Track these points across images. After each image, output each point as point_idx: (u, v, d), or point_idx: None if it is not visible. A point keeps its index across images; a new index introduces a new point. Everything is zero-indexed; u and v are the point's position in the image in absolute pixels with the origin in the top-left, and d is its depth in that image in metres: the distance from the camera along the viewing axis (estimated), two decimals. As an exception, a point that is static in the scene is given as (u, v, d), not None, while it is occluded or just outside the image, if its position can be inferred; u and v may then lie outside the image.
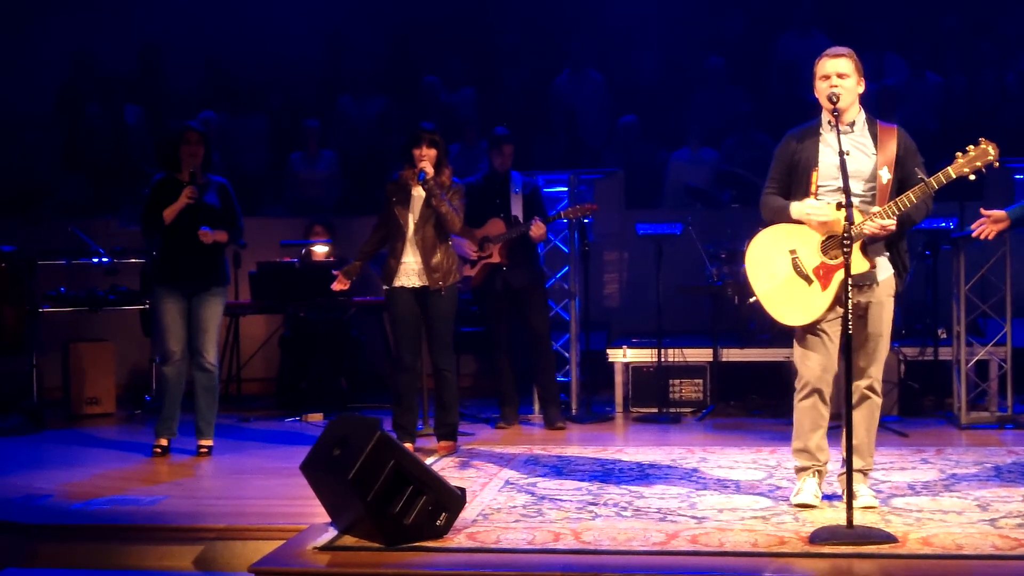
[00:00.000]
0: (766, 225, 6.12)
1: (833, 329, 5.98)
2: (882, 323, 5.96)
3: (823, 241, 5.90)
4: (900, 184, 5.89)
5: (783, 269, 5.98)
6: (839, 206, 5.62)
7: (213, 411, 8.12)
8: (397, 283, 7.85)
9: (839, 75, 5.88)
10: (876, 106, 11.18)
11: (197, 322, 8.00)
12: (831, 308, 5.91)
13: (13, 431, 9.17)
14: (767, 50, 13.08)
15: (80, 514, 6.40)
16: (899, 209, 5.75)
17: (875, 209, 5.78)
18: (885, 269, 5.96)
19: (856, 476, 5.83)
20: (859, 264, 5.76)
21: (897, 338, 9.46)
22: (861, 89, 5.97)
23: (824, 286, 5.90)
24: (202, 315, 8.00)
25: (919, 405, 9.29)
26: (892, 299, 6.00)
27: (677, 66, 13.24)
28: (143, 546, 6.00)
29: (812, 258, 5.93)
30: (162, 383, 8.11)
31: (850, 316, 5.55)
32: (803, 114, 6.20)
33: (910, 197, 5.74)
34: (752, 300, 6.20)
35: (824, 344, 5.98)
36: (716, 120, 12.20)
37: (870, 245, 5.84)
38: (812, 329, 5.97)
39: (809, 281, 5.92)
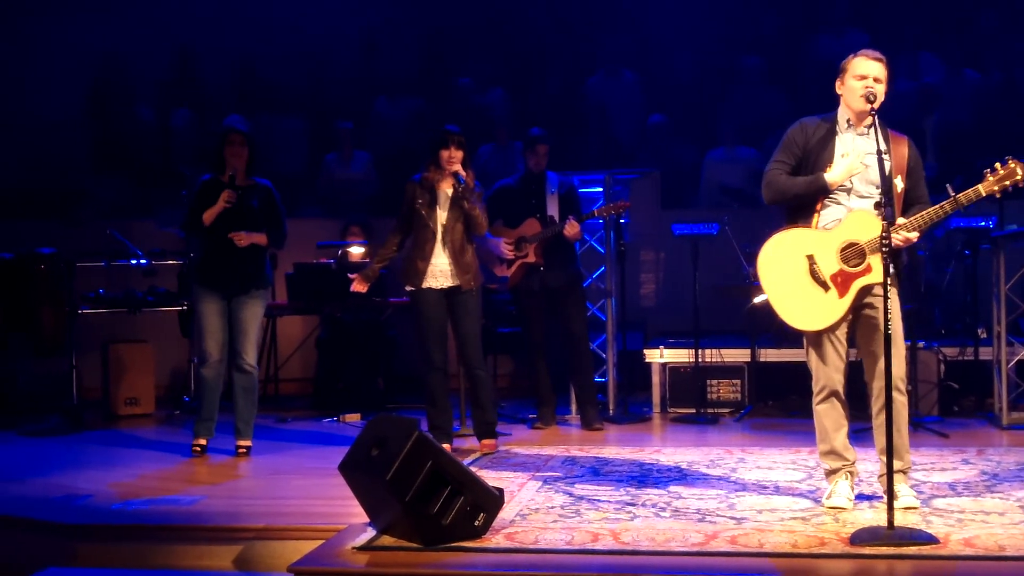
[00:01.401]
0: (771, 207, 6.13)
1: (842, 331, 5.98)
2: (893, 322, 5.92)
3: (842, 249, 5.88)
4: (906, 194, 5.89)
5: (799, 274, 5.95)
6: (877, 205, 5.60)
7: (252, 412, 8.14)
8: (425, 284, 7.84)
9: (876, 79, 5.88)
10: (916, 104, 11.12)
11: (237, 324, 8.02)
12: (846, 315, 5.91)
13: (52, 431, 9.24)
14: (803, 50, 13.01)
15: (120, 514, 6.44)
16: (925, 222, 5.76)
17: (900, 220, 5.77)
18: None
19: (897, 476, 5.80)
20: (879, 274, 5.75)
21: (937, 338, 9.43)
22: (882, 98, 5.95)
23: (841, 293, 5.89)
24: (242, 317, 8.01)
25: (959, 405, 9.23)
26: (897, 298, 5.94)
27: (711, 66, 13.20)
28: (182, 546, 6.02)
29: (830, 265, 5.90)
30: (200, 385, 8.15)
31: (874, 321, 5.59)
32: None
33: (938, 212, 5.75)
34: (759, 300, 6.18)
35: (835, 347, 5.99)
36: (752, 119, 12.15)
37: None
38: (824, 333, 5.97)
39: (826, 288, 5.90)
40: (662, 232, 10.61)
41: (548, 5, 13.84)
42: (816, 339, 6.01)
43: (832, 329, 5.95)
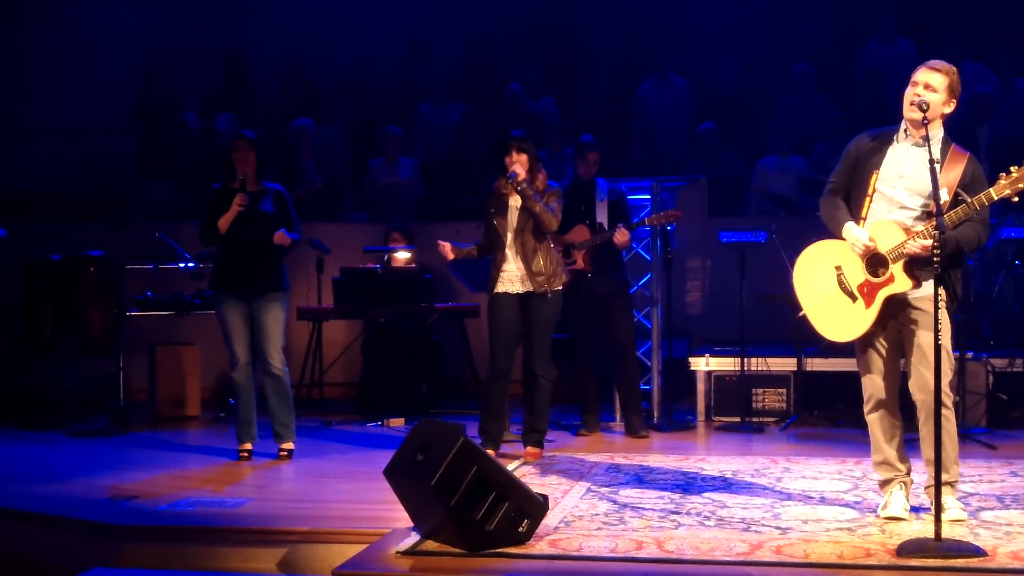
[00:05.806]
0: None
1: (888, 339, 5.96)
2: (943, 339, 5.83)
3: (867, 258, 5.84)
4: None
5: (828, 285, 5.97)
6: (926, 215, 5.57)
7: (289, 415, 8.13)
8: (500, 289, 7.89)
9: (927, 86, 5.81)
10: (968, 113, 11.03)
11: (260, 329, 8.03)
12: (875, 325, 5.87)
13: (99, 433, 9.29)
14: (852, 57, 12.94)
15: (165, 515, 6.47)
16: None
17: (919, 228, 5.71)
18: (927, 287, 5.82)
19: (944, 488, 5.74)
20: (902, 283, 5.72)
21: (986, 349, 9.34)
22: (948, 110, 5.88)
23: (868, 304, 5.86)
24: (263, 321, 8.02)
25: (1008, 417, 9.14)
26: (947, 315, 5.84)
27: (761, 73, 13.15)
28: (227, 548, 6.04)
29: (856, 275, 5.89)
30: (234, 389, 8.18)
31: (915, 335, 5.53)
32: (889, 122, 6.13)
33: (950, 217, 5.66)
34: (800, 315, 6.17)
35: (880, 356, 5.96)
36: (803, 127, 12.09)
37: (917, 266, 5.74)
38: (868, 343, 5.95)
39: (853, 298, 5.89)
40: (709, 240, 10.57)
41: (596, 12, 13.82)
42: (861, 349, 5.99)
43: (865, 339, 5.91)
